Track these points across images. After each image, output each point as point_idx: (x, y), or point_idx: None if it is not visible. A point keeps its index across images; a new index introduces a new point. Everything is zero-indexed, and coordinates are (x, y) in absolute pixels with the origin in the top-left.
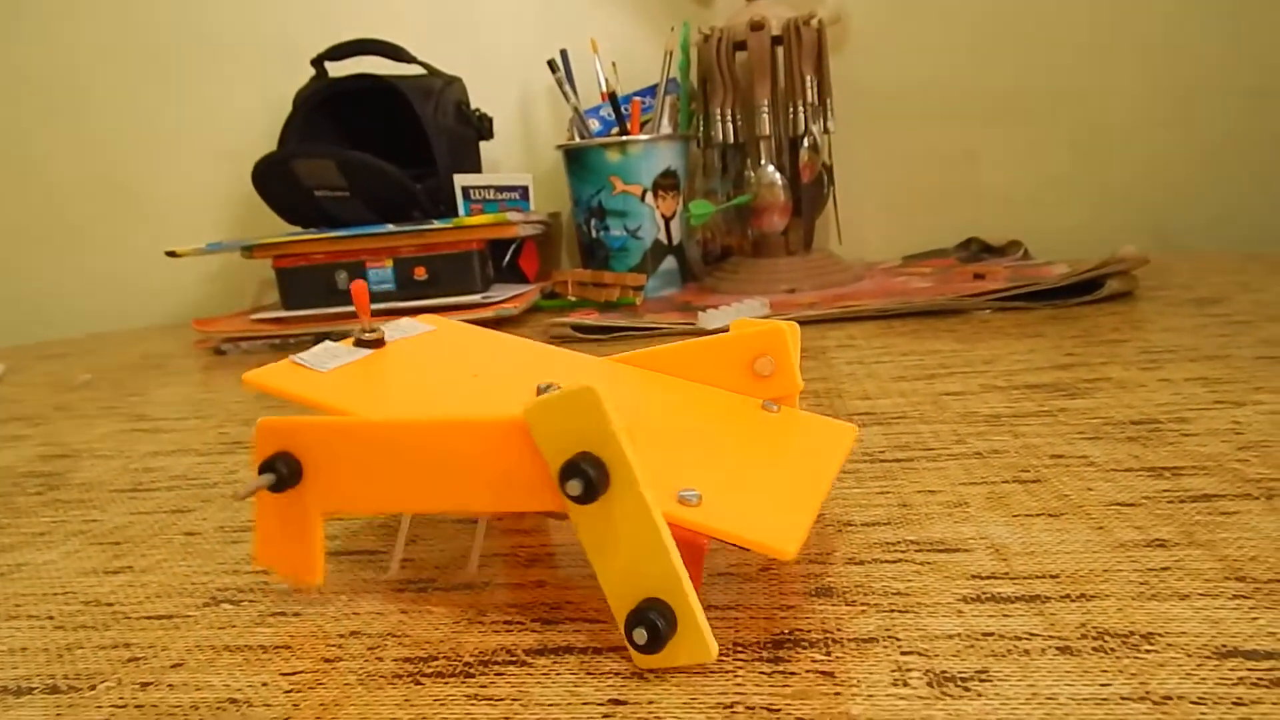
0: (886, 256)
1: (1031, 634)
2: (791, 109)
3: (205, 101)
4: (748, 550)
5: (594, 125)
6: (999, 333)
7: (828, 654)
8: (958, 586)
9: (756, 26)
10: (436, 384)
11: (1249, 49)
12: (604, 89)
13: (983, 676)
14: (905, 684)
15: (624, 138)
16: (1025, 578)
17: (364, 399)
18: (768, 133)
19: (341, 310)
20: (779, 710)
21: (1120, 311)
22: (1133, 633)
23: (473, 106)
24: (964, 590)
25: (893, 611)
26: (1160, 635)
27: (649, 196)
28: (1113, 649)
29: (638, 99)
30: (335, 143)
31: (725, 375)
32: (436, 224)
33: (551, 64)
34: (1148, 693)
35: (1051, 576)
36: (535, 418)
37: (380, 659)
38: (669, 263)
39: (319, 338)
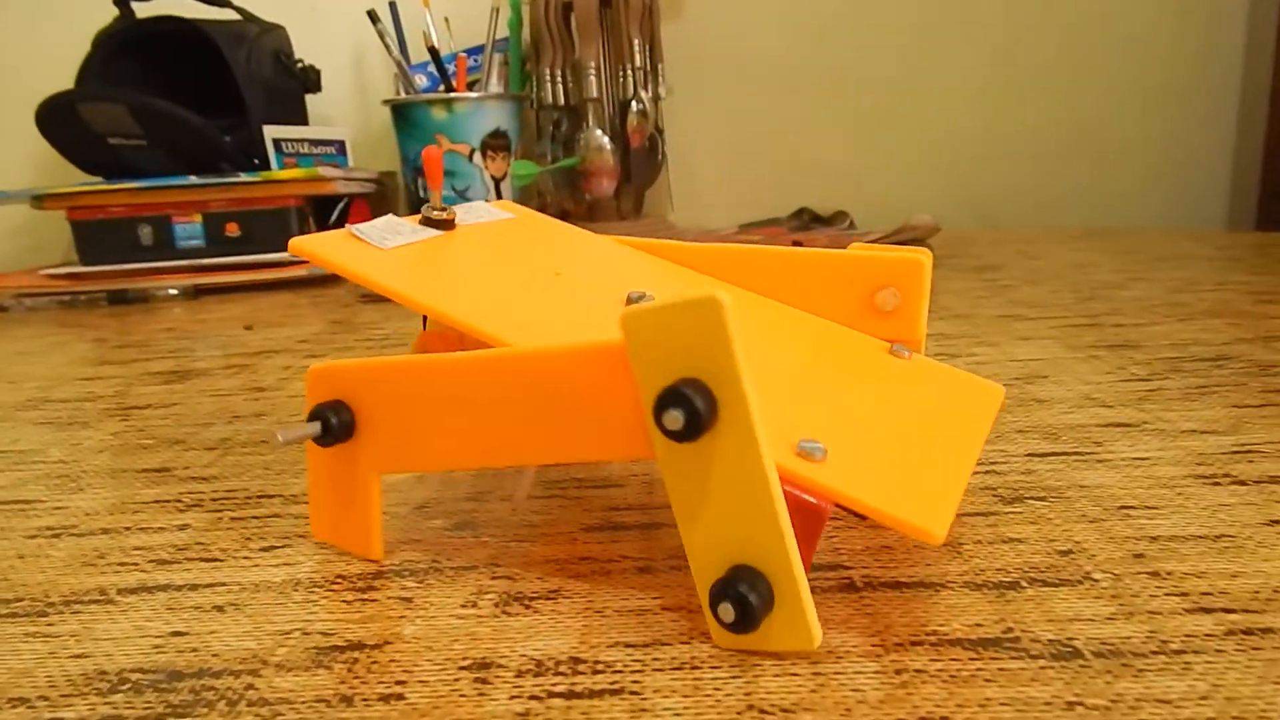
0: (727, 224)
1: (624, 556)
2: (621, 73)
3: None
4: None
5: (422, 81)
6: None
7: (421, 581)
8: (581, 516)
9: None
10: (511, 279)
11: (1075, 34)
12: (430, 43)
13: (552, 595)
14: (474, 605)
15: (450, 95)
16: (653, 508)
17: (425, 286)
18: (596, 95)
19: (146, 266)
20: (333, 635)
21: None
22: None
23: (298, 57)
24: (587, 520)
25: (515, 541)
26: None
27: (477, 156)
28: (687, 568)
29: (464, 55)
30: (141, 88)
31: (835, 302)
32: (244, 177)
33: (371, 15)
34: (688, 604)
35: None
36: (635, 328)
37: None
38: None
39: (114, 295)
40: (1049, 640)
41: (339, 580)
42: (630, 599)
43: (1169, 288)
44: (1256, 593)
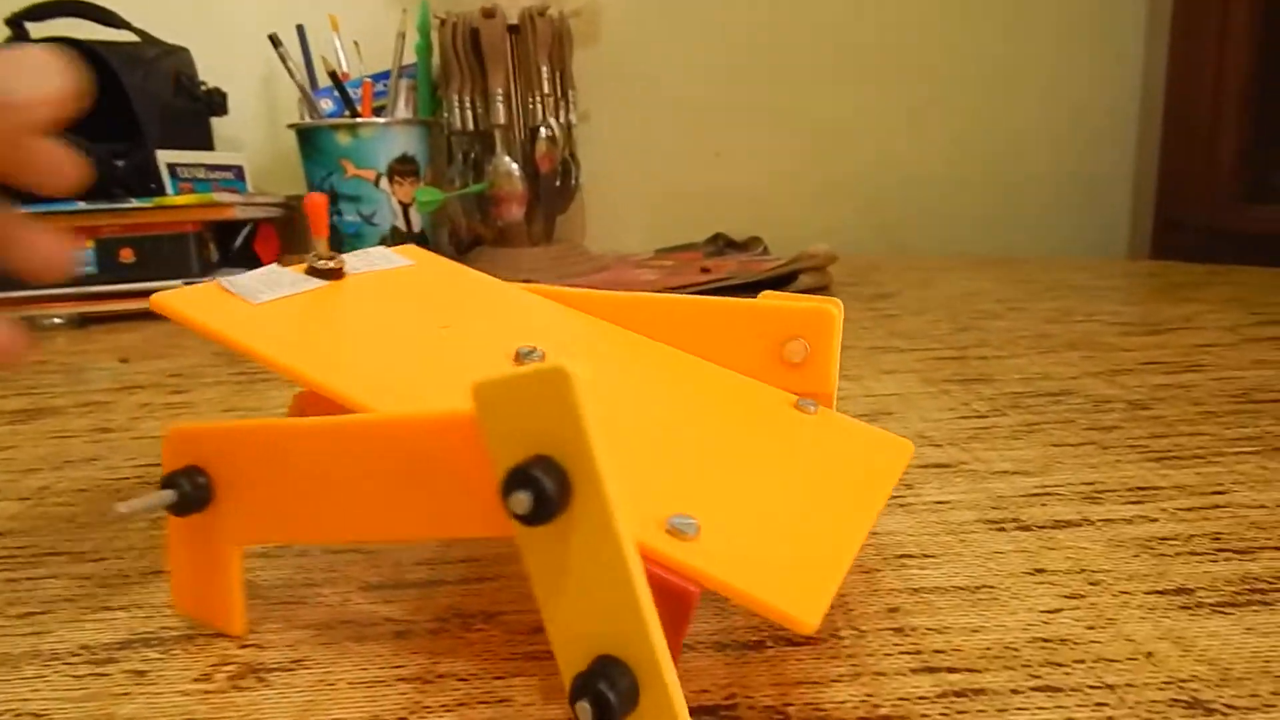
0: (642, 249)
1: (388, 619)
2: (530, 100)
3: None
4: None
5: (328, 106)
6: None
7: (165, 651)
8: (365, 572)
9: (488, 14)
10: (392, 335)
11: (984, 70)
12: (340, 68)
13: (293, 665)
14: (209, 679)
15: (355, 120)
16: (441, 564)
17: (295, 346)
18: (505, 122)
19: (32, 294)
20: (47, 714)
21: None
22: (482, 612)
23: (203, 80)
24: (370, 577)
25: (285, 603)
26: (501, 614)
27: (384, 182)
28: (455, 631)
29: (369, 80)
30: None
31: (744, 353)
32: (135, 203)
33: (273, 38)
34: (424, 673)
35: (470, 560)
36: (487, 400)
37: None
38: None
39: None
40: (765, 707)
41: (81, 651)
42: (370, 669)
43: (1042, 318)
44: (987, 649)
